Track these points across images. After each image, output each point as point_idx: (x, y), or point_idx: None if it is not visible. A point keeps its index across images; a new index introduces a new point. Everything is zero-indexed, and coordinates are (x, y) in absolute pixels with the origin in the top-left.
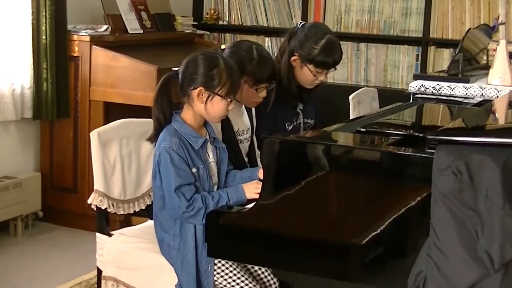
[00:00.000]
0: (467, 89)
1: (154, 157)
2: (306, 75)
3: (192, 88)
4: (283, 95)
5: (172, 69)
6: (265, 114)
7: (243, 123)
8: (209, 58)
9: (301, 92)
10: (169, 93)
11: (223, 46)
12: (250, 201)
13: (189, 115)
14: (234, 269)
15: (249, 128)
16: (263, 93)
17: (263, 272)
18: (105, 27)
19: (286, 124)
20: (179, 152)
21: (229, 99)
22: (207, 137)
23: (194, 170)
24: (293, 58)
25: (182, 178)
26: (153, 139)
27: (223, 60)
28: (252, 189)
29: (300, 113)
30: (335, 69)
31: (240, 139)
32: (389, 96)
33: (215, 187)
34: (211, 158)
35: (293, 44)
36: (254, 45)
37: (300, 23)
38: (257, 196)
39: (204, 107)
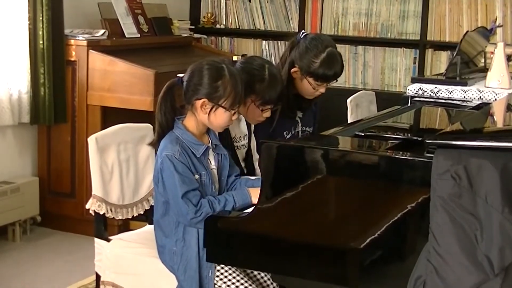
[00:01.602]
0: (465, 92)
1: (156, 164)
2: (306, 87)
3: (196, 98)
4: (282, 104)
5: (177, 75)
6: (263, 123)
7: (240, 129)
8: (214, 69)
9: (301, 101)
10: (173, 98)
11: (235, 58)
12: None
13: (192, 122)
14: (234, 271)
15: (246, 135)
16: (268, 114)
17: (262, 277)
18: (102, 31)
19: (285, 133)
20: (181, 159)
21: (233, 111)
22: (209, 144)
23: (196, 176)
24: (293, 69)
25: (187, 184)
26: (155, 144)
27: (228, 71)
28: (257, 194)
29: (299, 121)
30: (336, 80)
31: (237, 146)
32: (387, 99)
33: (217, 194)
34: (213, 165)
35: (294, 55)
36: (267, 64)
37: (303, 33)
38: None
39: (208, 117)
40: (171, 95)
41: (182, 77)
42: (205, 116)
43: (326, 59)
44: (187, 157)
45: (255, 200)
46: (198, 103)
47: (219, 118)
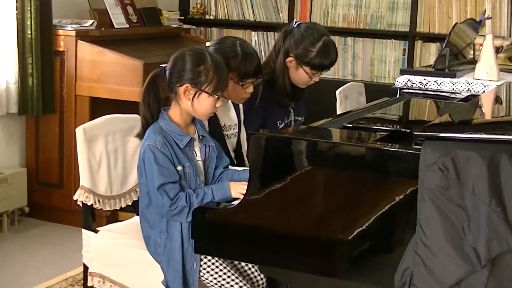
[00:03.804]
0: (453, 84)
1: (140, 154)
2: (301, 76)
3: (179, 85)
4: (277, 95)
5: (160, 65)
6: (256, 112)
7: (229, 118)
8: (196, 55)
9: (294, 90)
10: (157, 90)
11: (207, 44)
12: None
13: (176, 112)
14: (221, 264)
15: (236, 124)
16: (250, 89)
17: (250, 269)
18: (91, 21)
19: (278, 123)
20: (163, 150)
21: (216, 96)
22: (195, 135)
23: (179, 168)
24: (288, 59)
25: (165, 176)
26: (141, 136)
27: (211, 57)
28: (238, 188)
29: (292, 110)
30: (329, 69)
31: (227, 135)
32: (376, 91)
33: (202, 185)
34: (198, 156)
35: (289, 44)
36: (238, 41)
37: (296, 22)
38: (241, 196)
39: (191, 104)
40: (155, 87)
41: (165, 67)
42: (188, 103)
43: (323, 48)
44: (169, 147)
45: (234, 194)
46: (181, 89)
47: (203, 104)
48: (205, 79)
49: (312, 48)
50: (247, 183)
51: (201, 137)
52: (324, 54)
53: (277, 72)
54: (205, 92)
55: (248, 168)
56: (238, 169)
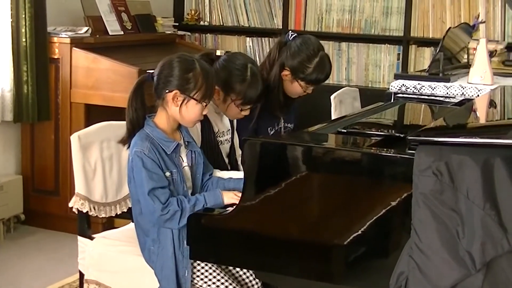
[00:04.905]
0: (447, 89)
1: (128, 162)
2: (296, 88)
3: (167, 91)
4: (270, 106)
5: (147, 71)
6: (249, 118)
7: (223, 124)
8: (185, 61)
9: (286, 101)
10: (143, 96)
11: (218, 52)
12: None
13: (163, 118)
14: (214, 271)
15: (229, 129)
16: (246, 112)
17: (244, 273)
18: (85, 28)
19: (268, 129)
20: (151, 155)
21: (204, 103)
22: (181, 141)
23: (167, 174)
24: (284, 72)
25: (155, 181)
26: (126, 141)
27: (199, 64)
28: (230, 195)
29: (282, 118)
30: (324, 82)
31: (221, 140)
32: (371, 96)
33: (189, 192)
34: (185, 162)
35: (284, 57)
36: (249, 64)
37: (291, 34)
38: (234, 201)
39: (179, 110)
40: (142, 92)
41: (153, 72)
42: (176, 109)
43: (319, 63)
44: (157, 153)
45: (227, 201)
46: (170, 95)
47: (191, 111)
48: (194, 86)
49: (309, 64)
50: (238, 191)
51: (186, 143)
52: (320, 69)
53: (271, 84)
54: (194, 99)
55: (233, 177)
56: (223, 177)
